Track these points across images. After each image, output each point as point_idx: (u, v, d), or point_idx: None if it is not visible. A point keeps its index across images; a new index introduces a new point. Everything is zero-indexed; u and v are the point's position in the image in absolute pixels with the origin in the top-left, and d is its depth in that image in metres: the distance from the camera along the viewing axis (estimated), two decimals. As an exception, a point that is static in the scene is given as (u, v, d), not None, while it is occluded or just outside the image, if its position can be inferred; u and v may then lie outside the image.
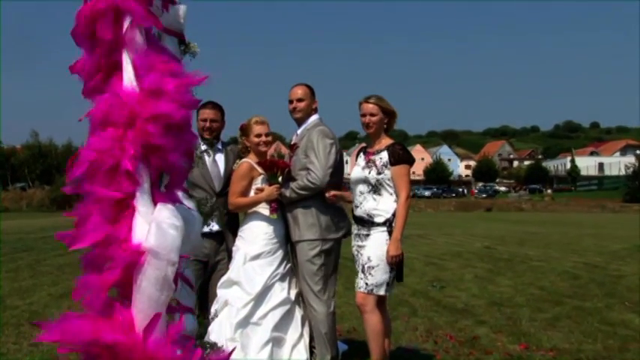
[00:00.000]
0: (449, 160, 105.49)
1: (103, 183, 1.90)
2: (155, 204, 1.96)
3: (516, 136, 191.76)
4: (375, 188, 4.04)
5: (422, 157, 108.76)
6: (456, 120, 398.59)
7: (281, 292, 4.11)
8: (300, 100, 4.30)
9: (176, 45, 2.28)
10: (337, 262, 4.29)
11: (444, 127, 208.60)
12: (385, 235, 3.94)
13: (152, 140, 1.89)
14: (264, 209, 4.20)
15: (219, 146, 4.60)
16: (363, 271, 4.01)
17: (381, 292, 3.97)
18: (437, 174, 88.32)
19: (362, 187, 4.11)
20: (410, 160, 4.04)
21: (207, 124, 4.50)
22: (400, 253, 3.89)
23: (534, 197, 66.71)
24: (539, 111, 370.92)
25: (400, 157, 4.00)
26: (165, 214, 1.92)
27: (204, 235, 4.36)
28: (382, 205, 4.00)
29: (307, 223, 4.12)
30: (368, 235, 4.02)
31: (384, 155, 4.04)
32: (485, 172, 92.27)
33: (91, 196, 1.93)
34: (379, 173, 4.02)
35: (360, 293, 4.01)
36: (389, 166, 4.00)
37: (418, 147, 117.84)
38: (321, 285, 4.11)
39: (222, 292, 4.15)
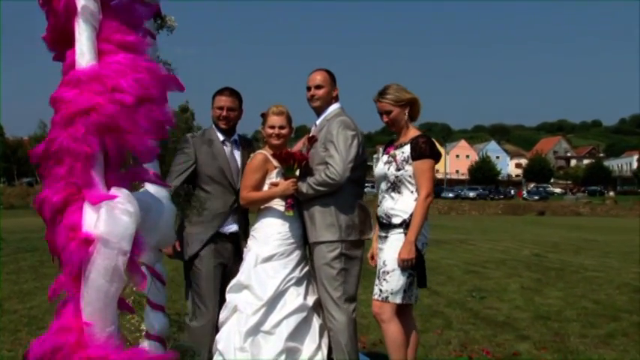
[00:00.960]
0: (497, 157, 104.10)
1: (54, 164, 1.93)
2: (109, 188, 1.97)
3: (575, 132, 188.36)
4: (395, 186, 4.03)
5: (467, 155, 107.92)
6: (507, 113, 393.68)
7: (296, 297, 4.10)
8: (318, 87, 4.29)
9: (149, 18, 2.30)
10: (360, 267, 4.27)
11: (493, 121, 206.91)
12: (402, 237, 3.92)
13: (105, 120, 1.90)
14: (279, 205, 4.20)
15: (236, 137, 4.55)
16: (378, 277, 4.00)
17: (398, 300, 3.94)
18: (483, 173, 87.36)
19: (383, 185, 4.11)
20: (434, 155, 4.00)
21: (224, 112, 4.42)
22: (413, 256, 3.86)
23: (594, 200, 65.51)
24: (602, 103, 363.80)
25: (422, 151, 3.96)
26: (118, 198, 1.93)
27: (222, 236, 4.39)
28: (400, 205, 3.98)
29: (325, 223, 4.11)
30: (386, 237, 4.02)
31: (406, 149, 4.02)
32: (538, 171, 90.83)
33: (44, 177, 1.97)
34: (398, 169, 4.01)
35: (376, 301, 4.00)
36: (410, 161, 3.98)
37: (463, 143, 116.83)
38: (341, 291, 4.09)
39: (230, 297, 4.16)
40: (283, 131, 4.26)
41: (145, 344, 2.55)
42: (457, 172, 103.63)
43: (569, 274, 11.09)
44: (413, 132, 4.11)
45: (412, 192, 3.99)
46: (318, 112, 4.34)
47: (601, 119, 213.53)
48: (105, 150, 1.97)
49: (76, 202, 1.93)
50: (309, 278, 4.24)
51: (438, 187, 79.01)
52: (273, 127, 4.25)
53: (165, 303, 2.64)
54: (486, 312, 7.34)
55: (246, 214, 4.55)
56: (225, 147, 4.47)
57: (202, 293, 4.29)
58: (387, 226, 4.02)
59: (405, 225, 3.92)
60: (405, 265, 3.87)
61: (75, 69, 1.97)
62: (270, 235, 4.18)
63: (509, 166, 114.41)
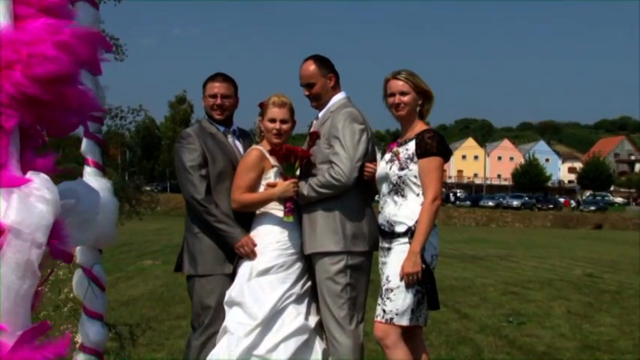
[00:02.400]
0: (546, 160, 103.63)
1: None
2: (25, 172, 1.98)
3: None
4: (398, 188, 4.03)
5: (511, 156, 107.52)
6: (559, 109, 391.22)
7: (296, 317, 4.10)
8: (309, 85, 4.30)
9: None
10: (368, 282, 4.27)
11: (542, 118, 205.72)
12: (407, 248, 3.91)
13: (18, 91, 1.90)
14: (276, 210, 4.21)
15: (235, 128, 4.55)
16: (381, 295, 4.00)
17: (404, 321, 3.93)
18: (530, 178, 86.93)
19: (384, 187, 4.11)
20: (442, 152, 4.00)
21: (218, 100, 4.40)
22: (418, 270, 3.83)
23: (662, 212, 64.75)
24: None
25: (428, 147, 3.96)
26: (34, 183, 1.93)
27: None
28: (405, 210, 3.98)
29: (328, 231, 4.10)
30: (389, 248, 4.03)
31: (411, 146, 4.02)
32: (595, 177, 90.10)
33: None
34: (402, 169, 4.01)
35: (379, 324, 3.99)
36: (415, 159, 3.98)
37: (506, 142, 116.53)
38: (346, 310, 4.09)
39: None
40: (285, 126, 4.25)
41: (80, 358, 2.56)
42: (499, 176, 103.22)
43: (626, 298, 11.04)
44: (420, 127, 4.10)
45: (418, 195, 3.98)
46: (320, 108, 4.36)
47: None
48: (21, 127, 1.97)
49: None
50: (312, 295, 4.23)
51: (477, 194, 78.74)
52: (273, 121, 4.23)
53: (105, 311, 2.64)
54: (524, 340, 7.31)
55: (251, 217, 4.51)
56: (229, 138, 4.47)
57: (216, 310, 4.25)
58: (389, 235, 4.01)
59: (411, 234, 3.91)
60: (409, 281, 3.85)
61: None
62: (267, 244, 4.18)
63: (561, 171, 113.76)
